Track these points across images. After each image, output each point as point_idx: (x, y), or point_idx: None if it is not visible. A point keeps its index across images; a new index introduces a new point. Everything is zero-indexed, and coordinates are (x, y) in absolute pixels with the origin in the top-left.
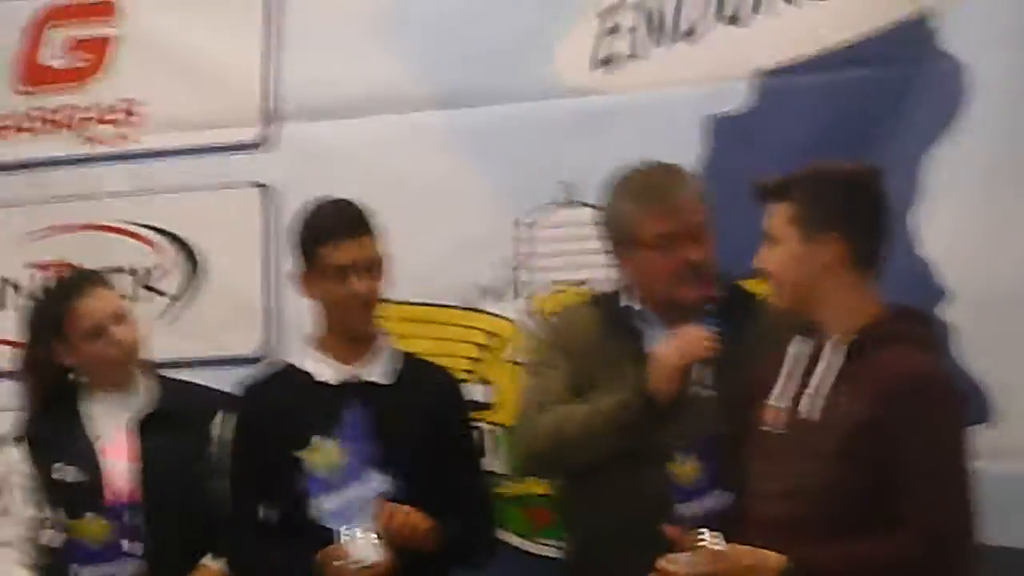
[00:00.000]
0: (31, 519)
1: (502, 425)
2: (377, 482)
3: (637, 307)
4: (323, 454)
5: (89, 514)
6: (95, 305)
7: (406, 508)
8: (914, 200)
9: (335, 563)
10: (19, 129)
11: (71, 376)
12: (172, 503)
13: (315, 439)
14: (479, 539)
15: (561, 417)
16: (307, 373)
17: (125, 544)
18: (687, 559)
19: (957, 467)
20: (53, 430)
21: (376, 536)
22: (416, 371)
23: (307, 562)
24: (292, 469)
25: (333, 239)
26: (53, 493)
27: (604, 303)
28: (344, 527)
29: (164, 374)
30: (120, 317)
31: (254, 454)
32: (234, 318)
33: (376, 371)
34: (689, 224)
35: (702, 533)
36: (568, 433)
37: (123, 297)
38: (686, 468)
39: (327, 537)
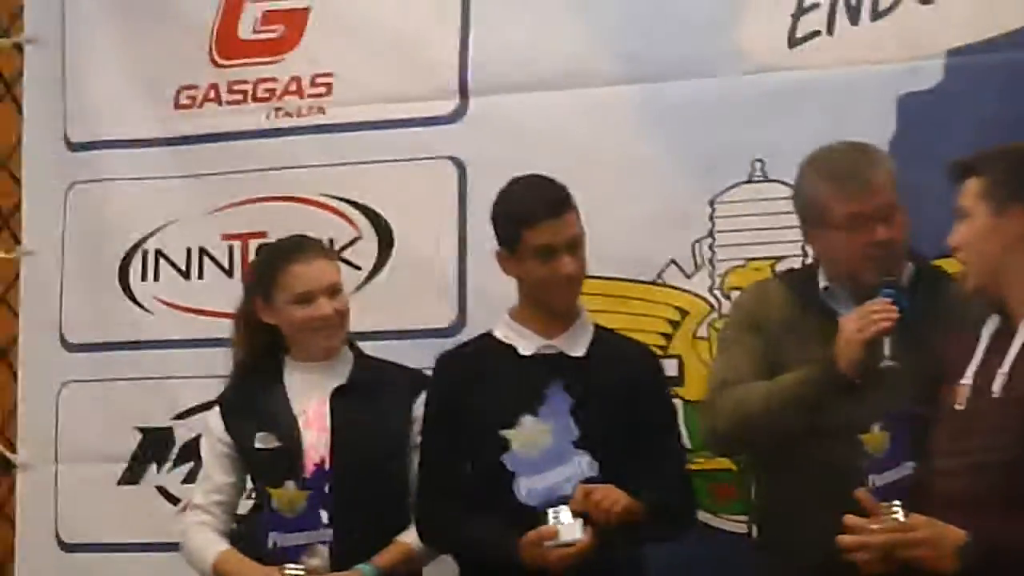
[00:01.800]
0: (227, 485)
1: (690, 401)
2: (581, 463)
3: (828, 286)
4: (530, 435)
5: (289, 483)
6: (310, 272)
7: (606, 487)
8: None
9: (546, 543)
10: (217, 101)
11: (276, 343)
12: (366, 476)
13: (523, 419)
14: (679, 514)
15: (743, 395)
16: (508, 345)
17: (323, 515)
18: (875, 526)
19: None
20: (256, 398)
21: (580, 517)
22: (616, 347)
23: (510, 541)
24: (496, 446)
25: (537, 220)
26: (253, 461)
27: (796, 281)
28: (551, 509)
29: (366, 352)
30: (334, 289)
31: (455, 425)
32: (427, 291)
33: (578, 346)
34: (880, 204)
35: (891, 504)
36: (749, 411)
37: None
38: (877, 439)
39: (529, 516)
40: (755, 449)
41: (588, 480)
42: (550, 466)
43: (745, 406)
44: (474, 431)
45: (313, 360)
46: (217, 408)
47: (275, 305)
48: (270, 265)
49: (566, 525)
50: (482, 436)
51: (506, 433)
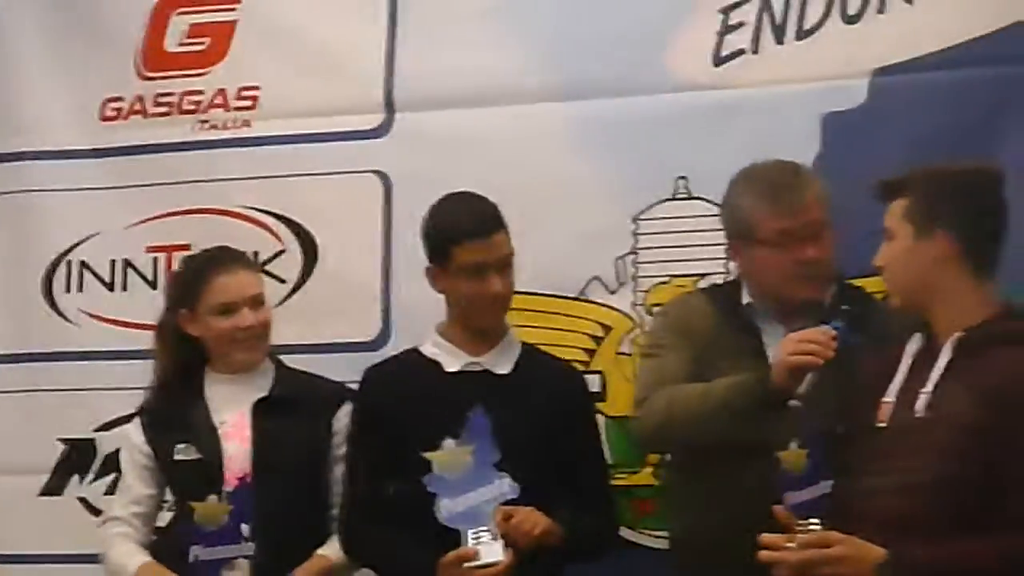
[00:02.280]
0: (147, 496)
1: (612, 416)
2: (502, 484)
3: (751, 302)
4: (451, 457)
5: (212, 497)
6: (233, 283)
7: (526, 509)
8: None
9: (464, 565)
10: (143, 113)
11: (197, 354)
12: (287, 489)
13: (445, 442)
14: (600, 535)
15: (676, 394)
16: (434, 362)
17: (244, 528)
18: (792, 544)
19: None
20: (176, 410)
21: (500, 538)
22: (542, 366)
23: (429, 562)
24: (418, 467)
25: (467, 238)
26: (173, 473)
27: (719, 296)
28: (471, 530)
29: (288, 364)
30: (256, 301)
31: (379, 441)
32: (351, 305)
33: (503, 364)
34: (808, 222)
35: (809, 521)
36: (681, 410)
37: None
38: (795, 456)
39: (450, 537)
40: (682, 448)
41: (508, 502)
42: (471, 488)
43: (679, 404)
44: (397, 449)
45: (234, 372)
46: (137, 419)
47: (198, 315)
48: (193, 275)
49: (485, 547)
50: (405, 455)
51: (428, 455)
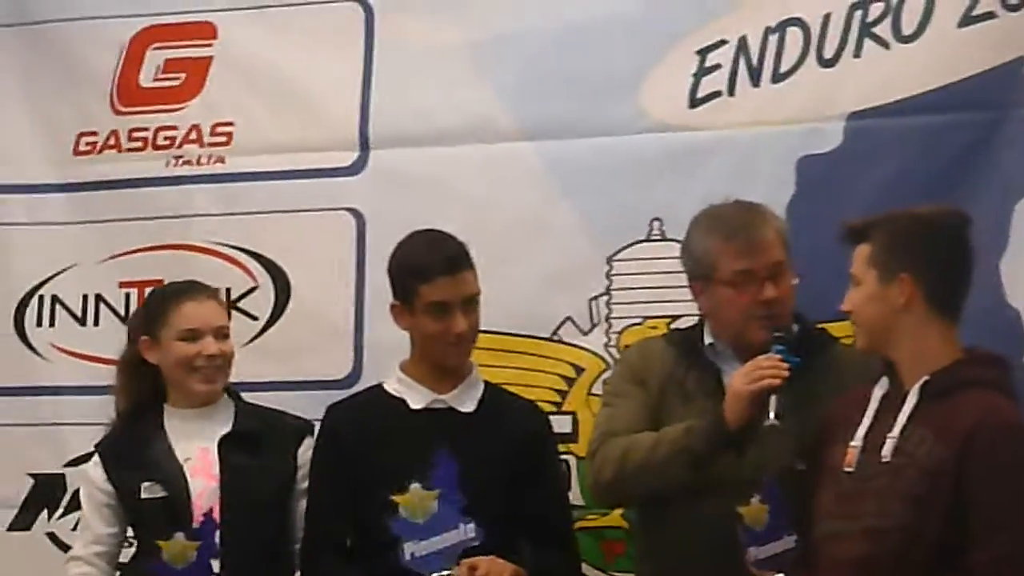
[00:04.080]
0: (108, 535)
1: (583, 457)
2: (467, 530)
3: (713, 342)
4: (417, 501)
5: (179, 534)
6: (200, 311)
7: (489, 560)
8: (1003, 248)
9: None
10: (117, 148)
11: (157, 389)
12: (255, 524)
13: (411, 486)
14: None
15: (628, 445)
16: (398, 399)
17: (213, 565)
18: None
19: None
20: (138, 447)
21: None
22: (505, 405)
23: None
24: (383, 508)
25: (433, 276)
26: (139, 511)
27: (681, 337)
28: (434, 574)
29: (248, 399)
30: (220, 332)
31: (341, 478)
32: (322, 342)
33: (467, 403)
34: (768, 263)
35: None
36: (634, 461)
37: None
38: (756, 511)
39: None
40: (638, 500)
41: (472, 547)
42: (435, 532)
43: (631, 455)
44: (361, 488)
45: (193, 406)
46: (96, 457)
47: (161, 343)
48: (161, 302)
49: None
50: (370, 494)
51: (394, 498)
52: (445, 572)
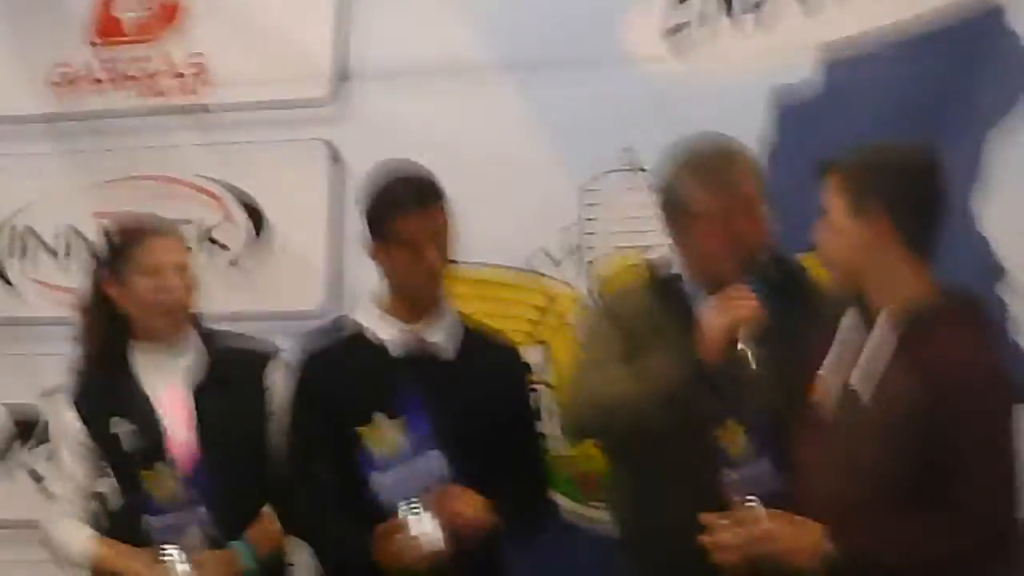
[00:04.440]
0: (83, 472)
1: (555, 387)
2: (435, 459)
3: (688, 278)
4: (383, 432)
5: (159, 464)
6: (160, 247)
7: (458, 491)
8: (976, 180)
9: (395, 537)
10: (91, 81)
11: (121, 326)
12: (232, 452)
13: (376, 416)
14: (533, 512)
15: (605, 381)
16: (375, 343)
17: (193, 494)
18: (732, 522)
19: (1005, 453)
20: (106, 384)
21: (431, 514)
22: (478, 343)
23: (366, 535)
24: (351, 442)
25: (404, 210)
26: (110, 447)
27: (656, 273)
28: (402, 503)
29: (212, 326)
30: (181, 268)
31: (315, 419)
32: (296, 275)
33: (439, 334)
34: (742, 199)
35: (749, 501)
36: (609, 397)
37: (188, 250)
38: (735, 436)
39: (384, 512)
40: (615, 435)
41: (436, 472)
42: (402, 462)
43: (606, 390)
44: (333, 424)
45: (159, 340)
46: (65, 395)
47: (123, 278)
48: (122, 239)
49: (415, 519)
50: (340, 430)
51: (360, 430)
52: (412, 501)
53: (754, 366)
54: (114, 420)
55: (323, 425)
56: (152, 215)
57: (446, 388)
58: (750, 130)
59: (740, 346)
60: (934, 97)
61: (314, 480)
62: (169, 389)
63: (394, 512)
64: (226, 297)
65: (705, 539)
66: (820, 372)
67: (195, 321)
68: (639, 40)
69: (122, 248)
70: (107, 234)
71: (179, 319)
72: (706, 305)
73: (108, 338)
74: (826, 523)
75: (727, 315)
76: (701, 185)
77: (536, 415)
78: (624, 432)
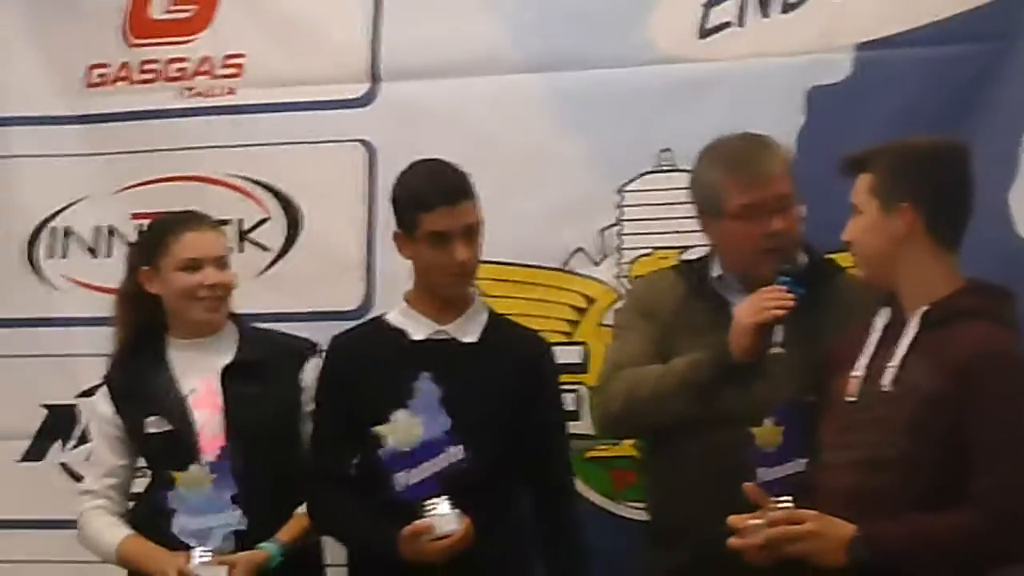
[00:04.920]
0: (120, 467)
1: (593, 387)
2: (455, 452)
3: (722, 275)
4: (402, 429)
5: (194, 466)
6: (200, 240)
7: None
8: (1011, 178)
9: (423, 537)
10: (128, 80)
11: (158, 320)
12: (264, 453)
13: (395, 414)
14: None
15: (635, 377)
16: (399, 330)
17: (227, 494)
18: (761, 521)
19: None
20: (142, 379)
21: (455, 508)
22: (506, 336)
23: (391, 536)
24: (373, 441)
25: (434, 205)
26: (146, 445)
27: (690, 270)
28: (427, 503)
29: (248, 323)
30: (221, 262)
31: (340, 410)
32: (334, 274)
33: (468, 332)
34: (775, 195)
35: (780, 499)
36: (641, 393)
37: (228, 246)
38: (769, 433)
39: (409, 508)
40: (646, 432)
41: (462, 468)
42: (424, 458)
43: (638, 388)
44: (358, 419)
45: (195, 336)
46: (104, 389)
47: (161, 273)
48: (160, 233)
49: (442, 517)
50: (363, 428)
51: (379, 429)
52: (436, 499)
53: (786, 365)
54: (151, 419)
55: (346, 414)
56: (191, 210)
57: (467, 372)
58: (784, 128)
59: (774, 348)
60: (968, 95)
61: (338, 468)
62: (207, 385)
63: (417, 510)
64: (264, 297)
65: (735, 541)
66: (853, 373)
67: (235, 319)
68: (672, 38)
69: (160, 240)
70: (147, 228)
71: (216, 313)
72: (742, 303)
73: (143, 331)
74: (853, 521)
75: (760, 315)
76: (734, 184)
77: (573, 415)
78: (657, 427)
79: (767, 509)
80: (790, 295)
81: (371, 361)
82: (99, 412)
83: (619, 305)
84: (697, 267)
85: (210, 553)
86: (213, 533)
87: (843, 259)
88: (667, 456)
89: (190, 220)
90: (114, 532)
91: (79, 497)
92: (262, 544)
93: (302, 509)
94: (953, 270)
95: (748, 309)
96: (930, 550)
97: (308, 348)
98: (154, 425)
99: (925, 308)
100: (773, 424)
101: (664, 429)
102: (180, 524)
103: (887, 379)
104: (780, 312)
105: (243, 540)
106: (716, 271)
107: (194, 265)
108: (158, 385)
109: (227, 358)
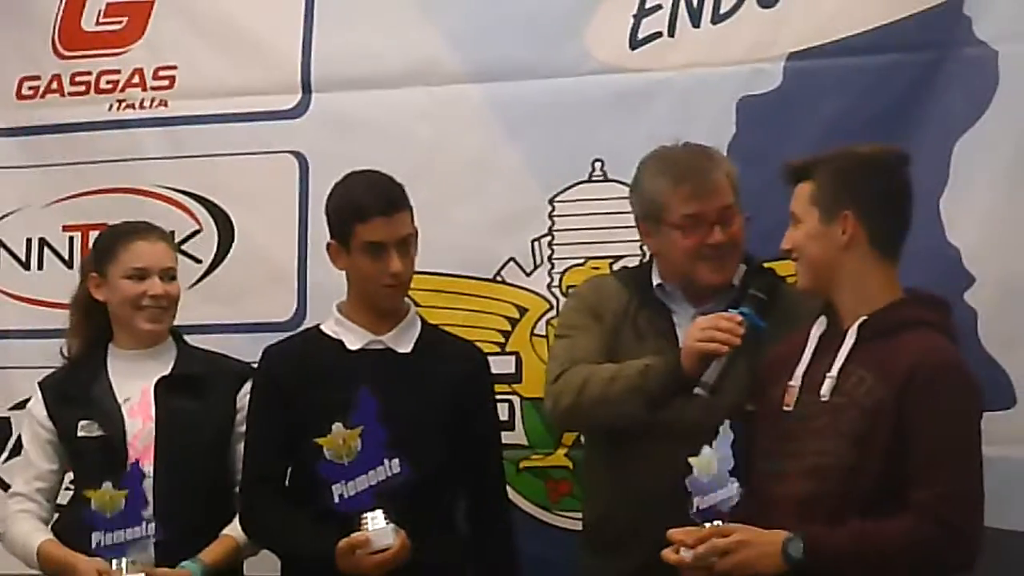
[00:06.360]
0: (49, 472)
1: (527, 397)
2: (392, 465)
3: (662, 283)
4: (340, 442)
5: (106, 484)
6: (148, 250)
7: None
8: (943, 186)
9: (357, 552)
10: (60, 92)
11: (104, 329)
12: (190, 467)
13: (334, 427)
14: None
15: (587, 375)
16: (335, 340)
17: (145, 511)
18: (694, 540)
19: (968, 454)
20: (79, 386)
21: (391, 522)
22: (443, 347)
23: (327, 548)
24: (312, 453)
25: (369, 216)
26: (76, 450)
27: (631, 277)
28: (363, 516)
29: (192, 342)
30: (168, 273)
31: (275, 421)
32: (266, 285)
33: (403, 342)
34: (717, 206)
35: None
36: (591, 392)
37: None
38: (707, 463)
39: (346, 520)
40: (593, 430)
41: (399, 482)
42: (362, 471)
43: (589, 386)
44: (295, 430)
45: (136, 346)
46: (39, 393)
47: (109, 280)
48: (112, 240)
49: (377, 531)
50: (303, 437)
51: (319, 441)
52: (371, 513)
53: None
54: (83, 423)
55: (285, 424)
56: (145, 221)
57: (405, 383)
58: (716, 139)
59: (698, 389)
60: (900, 104)
61: (273, 476)
62: (142, 396)
63: (353, 523)
64: (198, 308)
65: (668, 554)
66: (790, 383)
67: (175, 332)
68: (607, 48)
69: (110, 247)
70: (99, 236)
71: (160, 324)
72: (687, 314)
73: (89, 338)
74: (794, 529)
75: (706, 345)
76: (677, 193)
77: (507, 425)
78: (603, 427)
79: (699, 528)
80: (741, 330)
81: (308, 371)
82: (33, 415)
83: (553, 315)
84: (638, 274)
85: (131, 564)
86: (128, 548)
87: (780, 268)
88: (611, 464)
89: (141, 230)
90: (36, 536)
91: (8, 500)
92: (184, 563)
93: (227, 530)
94: (893, 280)
95: (698, 332)
96: (869, 555)
97: (246, 370)
98: (86, 429)
99: (864, 318)
100: (709, 456)
101: (608, 435)
102: (96, 539)
103: (825, 389)
104: (723, 348)
105: (166, 554)
106: (656, 279)
107: (140, 274)
108: (94, 391)
109: (164, 370)
